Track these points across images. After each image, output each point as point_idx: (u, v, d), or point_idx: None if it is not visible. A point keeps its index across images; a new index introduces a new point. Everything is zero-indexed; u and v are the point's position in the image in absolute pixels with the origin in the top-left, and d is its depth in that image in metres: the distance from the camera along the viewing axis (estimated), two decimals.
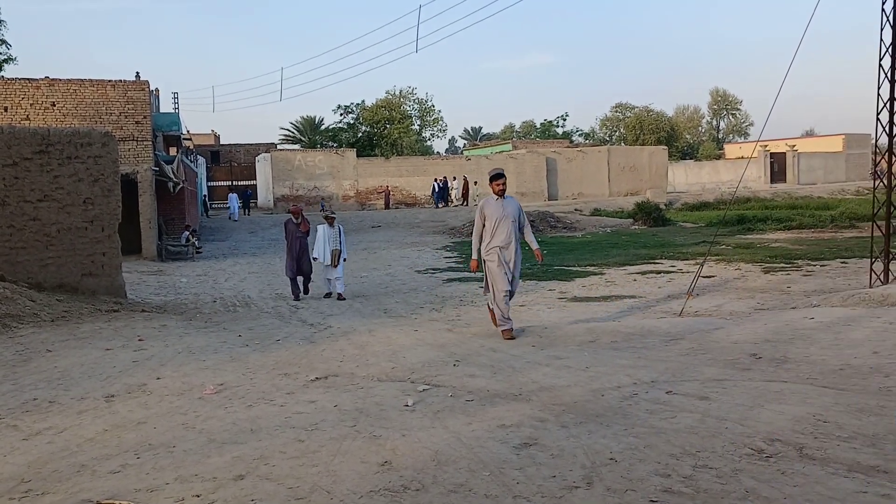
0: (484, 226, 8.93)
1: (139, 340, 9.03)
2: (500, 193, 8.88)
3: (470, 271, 9.48)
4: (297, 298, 14.10)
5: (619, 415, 5.16)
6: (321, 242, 14.21)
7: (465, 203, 42.89)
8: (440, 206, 42.55)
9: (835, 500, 3.59)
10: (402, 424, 5.12)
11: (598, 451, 4.40)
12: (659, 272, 16.56)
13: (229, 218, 38.76)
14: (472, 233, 9.44)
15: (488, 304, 9.30)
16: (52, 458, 4.67)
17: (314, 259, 14.42)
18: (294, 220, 14.51)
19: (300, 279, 14.47)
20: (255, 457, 4.50)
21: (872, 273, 12.04)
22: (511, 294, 9.00)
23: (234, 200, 40.17)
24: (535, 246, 9.16)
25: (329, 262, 14.22)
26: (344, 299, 13.95)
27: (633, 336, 8.35)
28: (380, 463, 4.31)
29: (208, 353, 8.20)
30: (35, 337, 9.09)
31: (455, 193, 43.65)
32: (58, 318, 10.39)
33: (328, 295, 14.43)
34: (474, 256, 9.06)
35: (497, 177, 8.90)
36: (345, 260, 14.67)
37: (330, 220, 14.42)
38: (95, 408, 5.92)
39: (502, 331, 8.67)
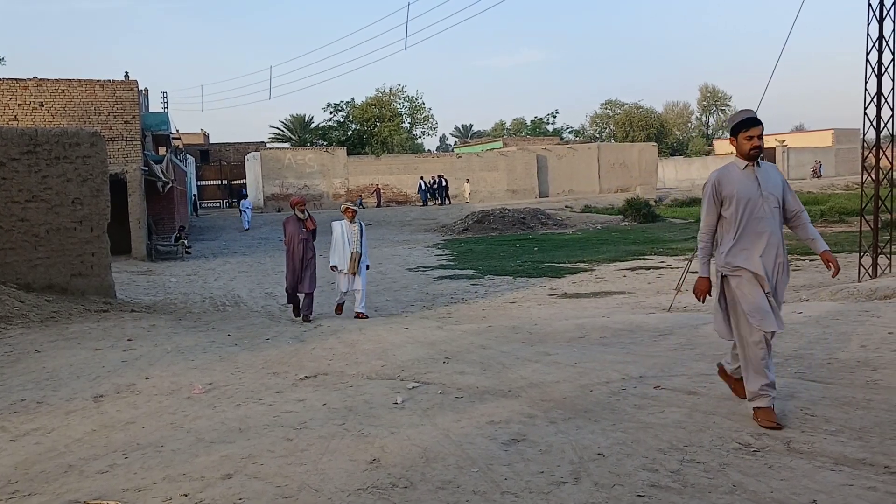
0: (721, 216, 4.96)
1: (128, 340, 9.00)
2: (753, 157, 4.86)
3: (697, 297, 5.06)
4: (297, 315, 11.11)
5: (607, 410, 5.17)
6: (339, 244, 10.99)
7: (448, 202, 42.80)
8: (436, 203, 42.54)
9: (821, 493, 3.61)
10: (391, 422, 5.12)
11: (586, 446, 4.41)
12: (648, 268, 16.61)
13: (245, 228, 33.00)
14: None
15: (722, 363, 5.36)
16: (39, 458, 4.65)
17: (333, 268, 11.13)
18: (297, 216, 11.04)
19: (300, 296, 11.11)
20: (244, 456, 4.49)
21: (861, 267, 12.10)
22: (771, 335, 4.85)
23: (248, 205, 34.13)
24: (821, 247, 4.92)
25: (347, 270, 11.03)
26: (366, 317, 11.02)
27: (621, 332, 8.37)
28: (368, 461, 4.31)
29: (197, 353, 8.18)
30: (24, 338, 9.04)
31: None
32: (47, 318, 10.34)
33: (340, 309, 11.44)
34: (702, 273, 5.00)
35: (747, 124, 4.83)
36: (367, 267, 11.45)
37: (350, 214, 11.09)
38: (84, 408, 5.89)
39: (758, 410, 4.72)
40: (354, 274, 11.06)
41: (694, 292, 5.08)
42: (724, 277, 4.93)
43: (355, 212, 11.13)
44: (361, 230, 11.15)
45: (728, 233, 4.92)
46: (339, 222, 11.10)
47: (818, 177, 54.83)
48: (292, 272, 10.93)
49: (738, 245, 4.85)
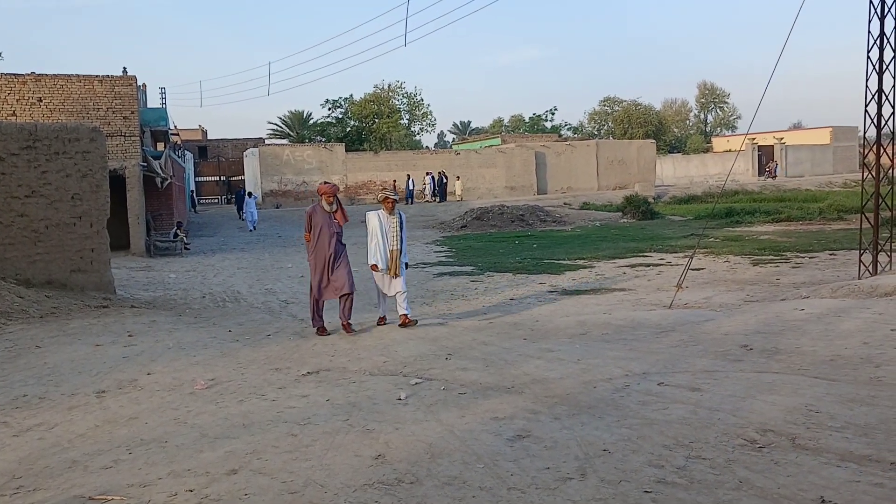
0: None
1: (129, 336, 8.98)
2: None
3: None
4: (322, 332, 8.89)
5: (612, 406, 5.17)
6: (377, 239, 9.10)
7: (442, 199, 42.61)
8: (434, 200, 42.45)
9: (828, 489, 3.61)
10: (395, 418, 5.11)
11: (592, 442, 4.40)
12: (648, 265, 16.59)
13: (251, 228, 30.97)
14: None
15: None
16: (43, 454, 4.64)
17: (373, 267, 9.17)
18: (325, 207, 9.05)
19: (324, 302, 9.15)
20: (248, 451, 4.48)
21: (861, 264, 12.10)
22: None
23: (253, 206, 31.67)
24: None
25: (386, 269, 9.18)
26: (413, 323, 9.17)
27: (623, 328, 8.37)
28: (373, 456, 4.30)
29: (199, 349, 8.16)
30: (24, 333, 9.02)
31: (428, 189, 43.27)
32: (47, 314, 10.32)
33: (384, 320, 9.42)
34: None
35: None
36: (407, 266, 9.55)
37: (389, 205, 9.20)
38: (86, 404, 5.88)
39: None
40: (396, 275, 9.21)
41: None
42: None
43: (395, 201, 9.29)
44: (402, 223, 9.29)
45: None
46: (376, 213, 9.25)
47: (773, 177, 54.32)
48: (319, 272, 8.98)
49: None
